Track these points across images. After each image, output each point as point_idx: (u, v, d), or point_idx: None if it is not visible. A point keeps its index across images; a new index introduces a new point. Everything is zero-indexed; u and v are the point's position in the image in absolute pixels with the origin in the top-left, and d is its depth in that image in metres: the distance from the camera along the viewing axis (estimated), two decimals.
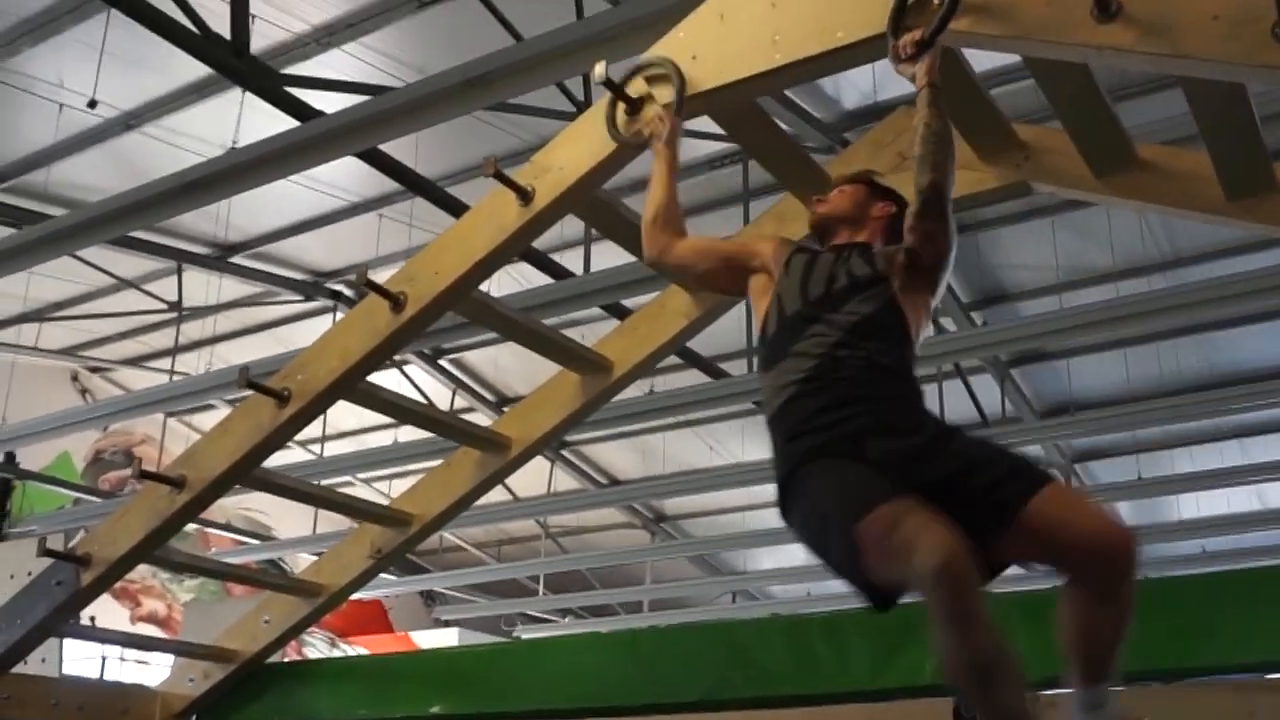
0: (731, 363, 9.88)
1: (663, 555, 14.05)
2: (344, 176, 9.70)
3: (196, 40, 5.41)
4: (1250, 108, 3.06)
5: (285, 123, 6.05)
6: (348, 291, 11.32)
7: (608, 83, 3.37)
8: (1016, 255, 10.80)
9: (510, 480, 13.44)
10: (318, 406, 3.84)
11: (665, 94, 3.34)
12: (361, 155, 6.26)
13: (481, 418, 12.73)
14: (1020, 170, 3.74)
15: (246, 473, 4.01)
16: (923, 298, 2.89)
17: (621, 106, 3.43)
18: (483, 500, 13.77)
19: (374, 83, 7.11)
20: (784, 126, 8.01)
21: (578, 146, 3.50)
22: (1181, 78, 2.97)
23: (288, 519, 13.36)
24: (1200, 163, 3.52)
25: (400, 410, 4.18)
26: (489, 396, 12.69)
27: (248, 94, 7.51)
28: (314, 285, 11.29)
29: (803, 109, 8.20)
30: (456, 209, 6.70)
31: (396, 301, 3.67)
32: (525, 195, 3.53)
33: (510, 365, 12.22)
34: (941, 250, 2.86)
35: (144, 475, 3.96)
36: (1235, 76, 2.76)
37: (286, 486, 4.38)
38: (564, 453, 13.49)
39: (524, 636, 14.29)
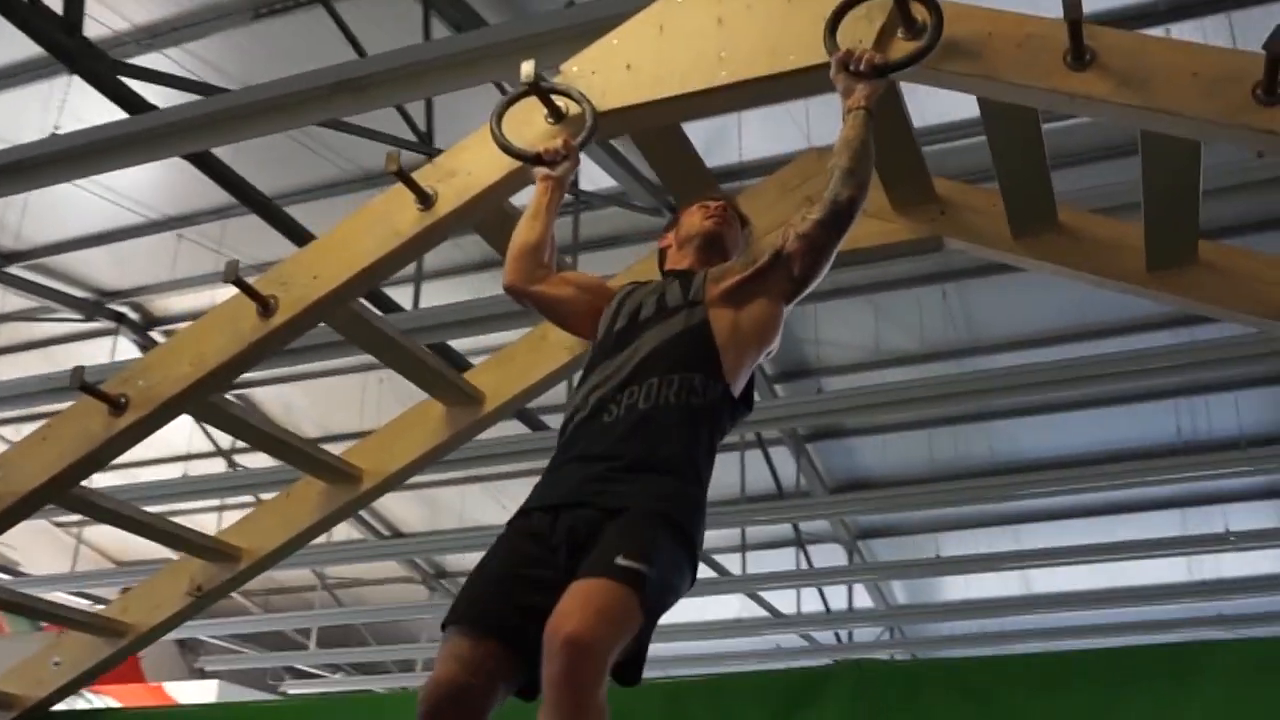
0: (552, 416, 9.51)
1: (441, 612, 13.52)
2: (145, 189, 9.06)
3: (22, 9, 4.87)
4: (1199, 174, 3.02)
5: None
6: (132, 314, 10.59)
7: (535, 85, 3.10)
8: (825, 332, 10.93)
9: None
10: (160, 418, 3.39)
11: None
12: (198, 164, 5.76)
13: (263, 459, 12.04)
14: (934, 225, 3.63)
15: (67, 489, 3.50)
16: (768, 307, 2.71)
17: (541, 113, 3.16)
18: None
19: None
20: (614, 182, 7.91)
21: (489, 151, 3.18)
22: (1143, 135, 2.90)
23: (39, 555, 12.30)
24: (1120, 231, 3.48)
25: (248, 429, 3.74)
26: None
27: (71, 89, 6.96)
28: (95, 305, 10.48)
29: (632, 166, 8.06)
30: (295, 232, 6.24)
31: (266, 305, 3.27)
32: (426, 199, 3.21)
33: (303, 406, 11.61)
34: (819, 267, 2.74)
35: None
36: (1211, 136, 2.70)
37: (107, 509, 3.85)
38: None
39: (291, 692, 13.50)
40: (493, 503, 12.55)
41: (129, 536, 13.09)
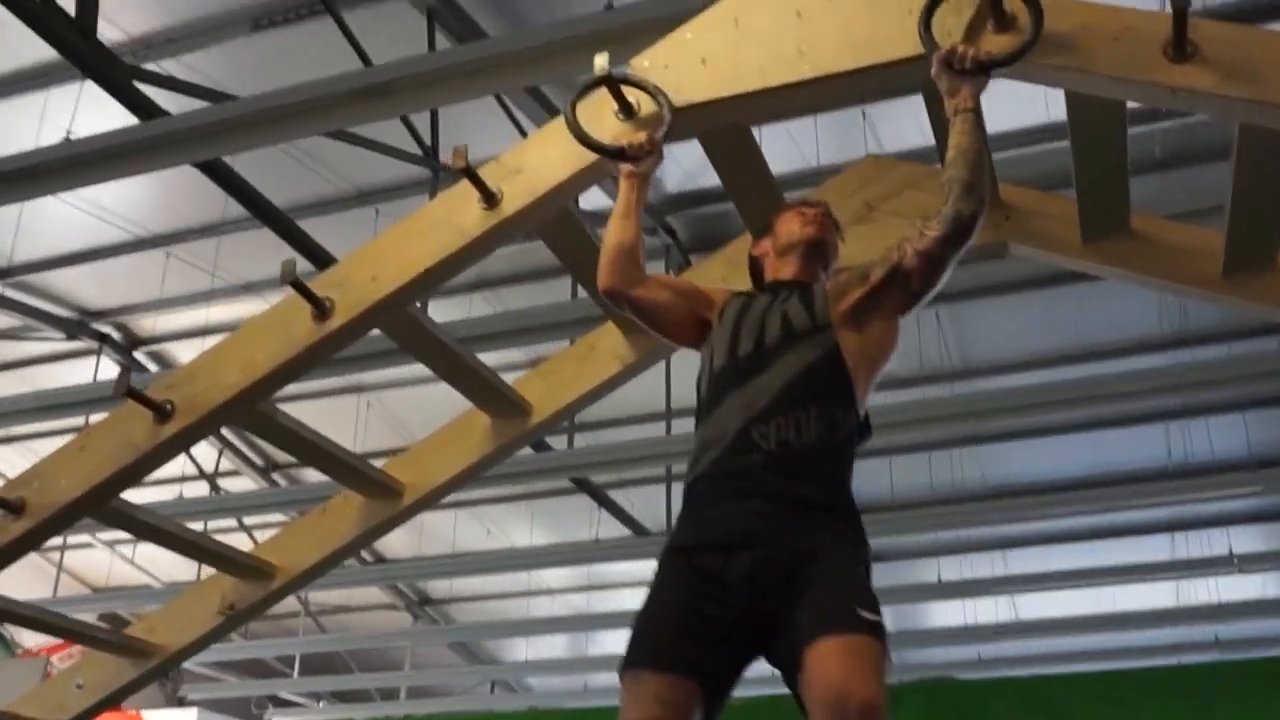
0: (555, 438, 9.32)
1: (426, 640, 13.33)
2: (134, 206, 8.90)
3: (35, 8, 4.71)
4: None
5: None
6: (115, 334, 10.39)
7: (608, 78, 2.99)
8: None
9: None
10: (206, 426, 3.24)
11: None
12: (209, 173, 5.59)
13: (247, 482, 11.83)
14: (999, 231, 3.54)
15: (106, 501, 3.34)
16: (886, 323, 2.64)
17: (611, 108, 3.05)
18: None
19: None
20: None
21: (556, 148, 3.09)
22: (1241, 131, 2.82)
23: (18, 582, 11.97)
24: (1192, 236, 3.41)
25: (296, 440, 3.58)
26: (258, 460, 11.81)
27: (79, 95, 6.81)
28: (79, 324, 10.27)
29: None
30: (306, 246, 6.07)
31: (321, 308, 3.14)
32: (491, 198, 3.09)
33: None
34: (936, 283, 2.66)
35: None
36: None
37: (145, 524, 3.68)
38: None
39: None
40: (477, 526, 12.37)
41: (112, 563, 12.76)
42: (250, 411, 3.32)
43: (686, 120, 3.03)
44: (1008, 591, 12.63)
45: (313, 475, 10.68)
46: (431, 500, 3.90)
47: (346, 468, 3.70)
